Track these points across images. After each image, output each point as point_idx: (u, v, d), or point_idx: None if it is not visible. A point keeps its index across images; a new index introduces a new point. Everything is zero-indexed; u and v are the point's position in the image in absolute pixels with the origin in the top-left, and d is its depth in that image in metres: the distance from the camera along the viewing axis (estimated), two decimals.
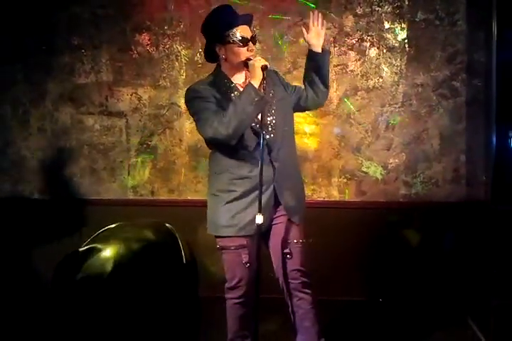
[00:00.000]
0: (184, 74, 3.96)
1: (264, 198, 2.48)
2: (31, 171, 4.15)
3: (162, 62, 3.97)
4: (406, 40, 3.75)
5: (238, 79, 2.61)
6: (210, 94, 2.53)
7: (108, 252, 1.83)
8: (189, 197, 3.99)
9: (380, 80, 3.79)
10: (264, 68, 2.44)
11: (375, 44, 3.78)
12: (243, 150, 2.52)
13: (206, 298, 3.32)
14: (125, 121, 4.04)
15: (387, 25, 3.76)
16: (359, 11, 3.77)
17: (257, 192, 2.45)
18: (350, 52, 3.80)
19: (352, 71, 3.80)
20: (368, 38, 3.78)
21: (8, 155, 4.16)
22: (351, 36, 3.79)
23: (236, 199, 2.55)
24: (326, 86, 2.72)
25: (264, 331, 2.61)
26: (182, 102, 3.97)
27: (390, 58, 3.77)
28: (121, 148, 4.06)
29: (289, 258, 2.59)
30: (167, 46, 3.96)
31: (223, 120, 2.42)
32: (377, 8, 3.76)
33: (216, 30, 2.51)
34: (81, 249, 1.84)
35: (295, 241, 2.61)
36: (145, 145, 4.03)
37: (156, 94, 3.99)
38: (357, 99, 3.80)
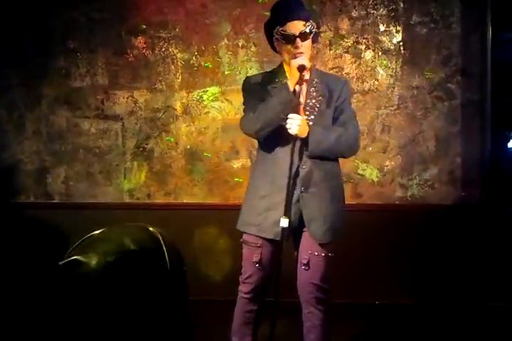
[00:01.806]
0: (180, 77, 3.96)
1: (292, 203, 2.38)
2: (27, 175, 4.14)
3: (158, 66, 3.97)
4: (401, 43, 3.77)
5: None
6: (258, 87, 2.47)
7: (88, 266, 1.80)
8: (185, 201, 3.99)
9: (376, 83, 3.80)
10: (300, 68, 2.31)
11: (370, 47, 3.79)
12: (280, 150, 2.44)
13: (202, 301, 3.34)
14: (121, 125, 4.04)
15: (382, 27, 3.78)
16: (354, 13, 3.78)
17: (283, 195, 2.34)
18: (345, 54, 3.82)
19: (347, 74, 3.81)
20: (364, 40, 3.79)
21: (4, 159, 4.14)
22: (347, 39, 3.81)
23: (262, 197, 2.48)
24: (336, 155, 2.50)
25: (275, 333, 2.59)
26: (178, 105, 3.98)
27: (385, 61, 3.78)
28: (117, 152, 4.05)
29: (305, 269, 2.46)
30: (163, 49, 3.96)
31: (253, 116, 2.40)
32: (372, 11, 3.77)
33: (268, 26, 2.47)
34: (60, 263, 1.80)
35: (316, 253, 2.44)
36: (141, 149, 4.02)
37: (152, 98, 3.99)
38: (353, 102, 3.79)
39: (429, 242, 3.72)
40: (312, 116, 2.43)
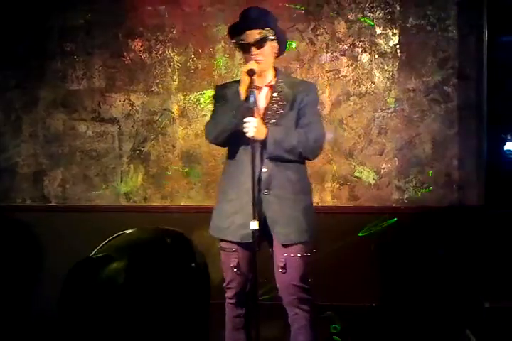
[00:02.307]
0: (177, 80, 3.96)
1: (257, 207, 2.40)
2: (23, 178, 4.13)
3: (155, 68, 3.97)
4: (398, 46, 3.77)
5: (260, 81, 2.53)
6: (223, 94, 2.55)
7: (121, 261, 1.81)
8: (182, 204, 3.99)
9: (372, 85, 3.80)
10: (249, 73, 2.38)
11: (366, 49, 3.80)
12: (243, 153, 2.48)
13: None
14: (118, 128, 4.03)
15: (378, 30, 3.78)
16: (351, 16, 3.79)
17: (248, 199, 2.38)
18: (342, 57, 3.82)
19: (344, 76, 3.82)
20: (360, 43, 3.80)
21: (0, 162, 4.14)
22: (343, 42, 3.81)
23: (229, 201, 2.54)
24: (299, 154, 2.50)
25: (263, 338, 2.59)
26: (175, 108, 3.97)
27: (381, 63, 3.79)
28: (114, 155, 4.04)
29: (283, 272, 2.48)
30: (160, 52, 3.96)
31: (211, 123, 2.54)
32: (368, 14, 3.78)
33: (229, 36, 2.60)
34: (95, 256, 1.81)
35: (292, 255, 2.47)
36: (138, 152, 4.02)
37: (148, 100, 3.99)
38: (349, 105, 3.81)
39: (427, 244, 3.72)
40: (274, 120, 2.47)
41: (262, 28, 2.44)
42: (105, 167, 4.06)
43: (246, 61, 2.52)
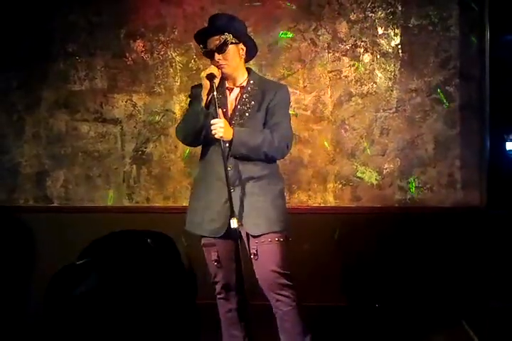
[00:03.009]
0: (179, 80, 3.97)
1: (220, 203, 2.53)
2: (26, 178, 4.13)
3: (157, 69, 3.98)
4: (399, 46, 3.77)
5: (230, 83, 2.65)
6: (195, 95, 2.62)
7: (106, 266, 1.82)
8: (184, 204, 3.97)
9: (374, 86, 3.80)
10: (209, 77, 2.46)
11: (368, 50, 3.79)
12: (212, 153, 2.59)
13: (203, 305, 3.34)
14: (120, 128, 4.04)
15: (380, 30, 3.78)
16: (352, 16, 3.79)
17: (215, 195, 2.52)
18: (343, 58, 3.82)
19: (346, 77, 3.82)
20: (362, 43, 3.79)
21: (3, 163, 4.15)
22: (345, 42, 3.81)
23: (199, 198, 2.64)
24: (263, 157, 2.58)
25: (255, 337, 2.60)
26: (177, 108, 3.98)
27: (383, 64, 3.78)
28: (116, 155, 4.05)
29: (256, 259, 2.53)
30: (161, 53, 3.96)
31: (179, 125, 2.67)
32: (370, 14, 3.77)
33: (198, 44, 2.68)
34: (78, 262, 1.82)
35: (262, 240, 2.53)
36: (140, 152, 4.02)
37: (150, 101, 3.99)
38: (351, 105, 3.81)
39: (429, 245, 3.72)
40: (241, 121, 2.55)
41: (221, 33, 2.51)
42: (108, 167, 4.06)
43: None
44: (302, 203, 3.86)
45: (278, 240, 2.54)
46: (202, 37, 2.60)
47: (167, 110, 3.99)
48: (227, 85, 2.64)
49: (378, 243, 3.74)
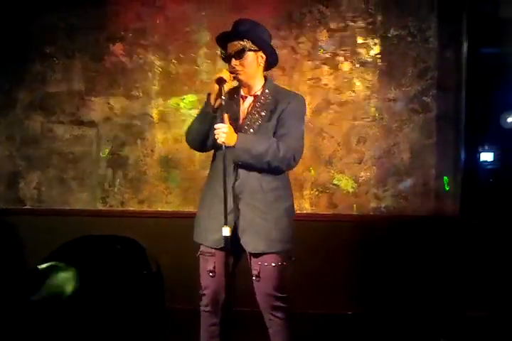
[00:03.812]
0: (157, 84, 3.95)
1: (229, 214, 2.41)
2: None
3: (135, 73, 3.95)
4: (378, 56, 3.80)
5: (245, 91, 2.59)
6: (207, 100, 2.56)
7: (69, 271, 1.78)
8: (159, 209, 3.95)
9: (353, 94, 3.82)
10: (218, 81, 2.40)
11: (348, 58, 3.82)
12: (219, 160, 2.50)
13: (172, 310, 3.30)
14: (96, 131, 4.00)
15: (360, 40, 3.81)
16: (333, 25, 3.81)
17: (219, 205, 2.39)
18: (323, 66, 3.83)
19: (325, 85, 3.83)
20: (341, 52, 3.82)
21: None
22: (325, 50, 3.83)
23: (205, 207, 2.57)
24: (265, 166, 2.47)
25: None
26: (155, 112, 3.95)
27: (362, 73, 3.81)
28: (92, 158, 4.00)
29: (257, 281, 2.49)
30: (140, 56, 3.94)
31: (188, 128, 2.61)
32: (350, 24, 3.81)
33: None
34: (40, 267, 1.78)
35: (266, 263, 2.47)
36: (116, 156, 3.98)
37: (128, 104, 3.96)
38: (329, 113, 3.83)
39: (404, 253, 3.73)
40: (251, 130, 2.49)
41: (241, 39, 2.46)
42: (82, 170, 4.02)
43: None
44: None
45: (281, 264, 2.48)
46: (223, 41, 2.54)
47: (144, 114, 3.96)
48: (242, 93, 2.58)
49: (353, 250, 3.74)
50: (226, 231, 2.35)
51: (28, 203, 4.06)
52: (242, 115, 2.55)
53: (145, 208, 3.95)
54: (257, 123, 2.49)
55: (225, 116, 2.41)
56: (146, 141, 3.96)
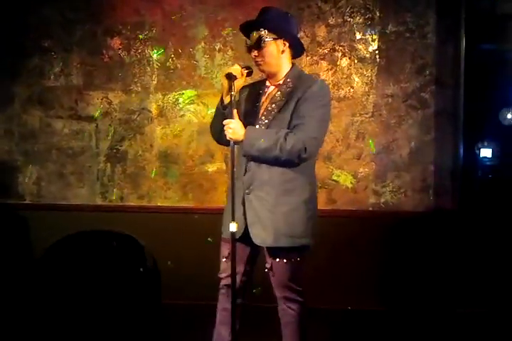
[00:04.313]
0: (156, 79, 3.94)
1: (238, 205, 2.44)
2: None
3: (133, 67, 3.94)
4: (377, 51, 3.80)
5: (271, 81, 2.55)
6: (240, 94, 2.57)
7: (65, 265, 1.79)
8: (159, 204, 3.96)
9: (351, 90, 3.82)
10: (227, 77, 2.38)
11: (346, 54, 3.82)
12: (237, 155, 2.48)
13: (172, 305, 3.32)
14: (95, 126, 3.99)
15: (358, 35, 3.81)
16: (331, 21, 3.81)
17: (237, 197, 2.42)
18: (321, 61, 3.83)
19: (324, 80, 3.82)
20: (340, 48, 3.82)
21: None
22: (323, 46, 3.83)
23: (227, 200, 2.57)
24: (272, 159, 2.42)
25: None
26: (153, 107, 3.95)
27: (361, 68, 3.81)
28: (91, 153, 4.00)
29: (271, 275, 2.49)
30: (139, 51, 3.93)
31: (211, 122, 2.64)
32: (349, 19, 3.80)
33: None
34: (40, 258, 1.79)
35: (277, 259, 2.45)
36: (115, 151, 3.98)
37: (126, 99, 3.96)
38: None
39: (402, 248, 3.76)
40: (266, 121, 2.45)
41: (258, 29, 2.42)
42: (81, 165, 4.01)
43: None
44: None
45: (294, 260, 2.45)
46: (245, 32, 2.51)
47: (143, 108, 3.96)
48: (267, 84, 2.54)
49: (352, 246, 3.76)
50: (233, 227, 2.36)
51: (27, 198, 4.05)
52: (263, 106, 2.51)
53: (144, 203, 3.96)
54: (272, 113, 2.45)
55: (234, 111, 2.39)
56: (145, 136, 3.96)
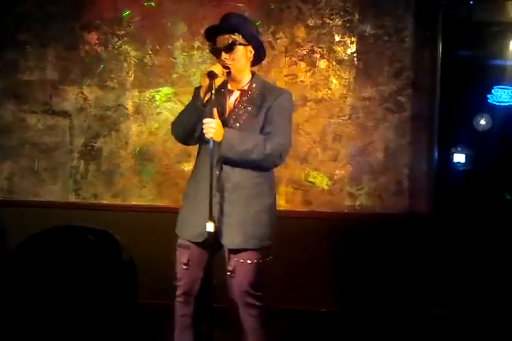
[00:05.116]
0: (132, 75, 3.90)
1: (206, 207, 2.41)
2: None
3: (110, 63, 3.90)
4: (355, 54, 3.82)
5: (233, 85, 2.58)
6: (196, 94, 2.55)
7: (40, 259, 1.77)
8: (133, 202, 3.92)
9: (329, 92, 3.84)
10: (209, 75, 2.38)
11: (325, 56, 3.83)
12: (203, 154, 2.51)
13: (147, 305, 3.30)
14: (69, 121, 3.94)
15: (337, 38, 3.82)
16: (310, 22, 3.81)
17: (202, 198, 2.39)
18: (300, 62, 3.84)
19: (302, 81, 3.84)
20: (319, 49, 3.83)
21: None
22: (302, 47, 3.83)
23: (187, 200, 2.58)
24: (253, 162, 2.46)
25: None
26: (130, 104, 3.91)
27: (339, 71, 3.83)
28: (65, 149, 3.94)
29: (232, 276, 2.49)
30: (116, 46, 3.89)
31: (174, 121, 2.60)
32: (328, 21, 3.81)
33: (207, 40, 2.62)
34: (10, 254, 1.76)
35: (242, 260, 2.47)
36: (89, 147, 3.93)
37: (102, 95, 3.91)
38: (306, 110, 3.84)
39: (376, 250, 3.78)
40: (237, 124, 2.48)
41: (231, 33, 2.46)
42: (55, 161, 3.95)
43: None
44: None
45: (257, 262, 2.47)
46: (212, 34, 2.52)
47: (119, 105, 3.91)
48: (229, 87, 2.57)
49: (327, 248, 3.77)
50: (210, 227, 2.34)
51: None
52: (228, 109, 2.54)
53: (118, 201, 3.91)
54: (243, 118, 2.49)
55: (215, 110, 2.39)
56: (120, 133, 3.91)
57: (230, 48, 2.46)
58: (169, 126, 3.84)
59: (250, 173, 2.48)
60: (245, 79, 2.56)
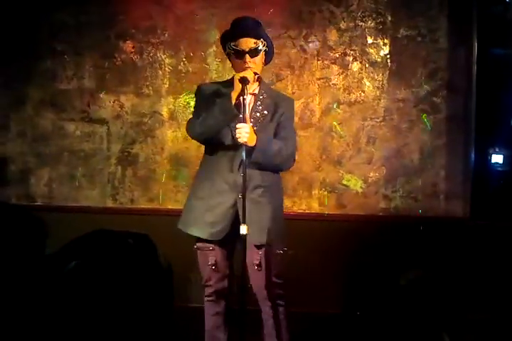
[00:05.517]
0: (167, 82, 3.96)
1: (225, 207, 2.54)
2: (9, 176, 4.09)
3: (145, 70, 3.96)
4: (388, 56, 3.80)
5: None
6: (208, 95, 2.61)
7: (83, 261, 1.82)
8: (169, 207, 3.97)
9: (362, 94, 3.82)
10: (242, 81, 2.41)
11: (357, 58, 3.82)
12: (222, 155, 2.58)
13: (183, 308, 3.33)
14: (106, 128, 4.02)
15: (370, 40, 3.81)
16: (343, 25, 3.81)
17: (218, 198, 2.52)
18: (333, 65, 3.84)
19: (334, 84, 3.83)
20: (351, 52, 3.82)
21: None
22: (334, 50, 3.83)
23: (200, 199, 2.61)
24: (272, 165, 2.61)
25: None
26: (164, 111, 3.97)
27: (372, 73, 3.81)
28: (102, 156, 4.02)
29: (258, 270, 2.56)
30: (151, 54, 3.96)
31: (197, 121, 2.57)
32: (360, 23, 3.80)
33: (222, 41, 2.68)
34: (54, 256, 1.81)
35: (266, 254, 2.56)
36: (126, 153, 4.00)
37: (138, 102, 3.98)
38: (339, 113, 3.83)
39: (412, 253, 3.73)
40: (255, 128, 2.54)
41: (257, 38, 2.54)
42: (92, 168, 4.04)
43: (235, 67, 2.62)
44: (287, 209, 3.85)
45: (278, 252, 2.59)
46: (234, 35, 2.56)
47: (155, 112, 3.98)
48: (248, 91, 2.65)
49: (362, 251, 3.75)
50: (244, 230, 2.38)
51: (38, 200, 4.08)
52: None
53: (155, 206, 3.97)
54: (259, 122, 2.58)
55: (247, 115, 2.45)
56: (156, 139, 3.98)
57: (255, 52, 2.53)
58: None
59: (266, 173, 2.60)
60: (255, 83, 2.62)
